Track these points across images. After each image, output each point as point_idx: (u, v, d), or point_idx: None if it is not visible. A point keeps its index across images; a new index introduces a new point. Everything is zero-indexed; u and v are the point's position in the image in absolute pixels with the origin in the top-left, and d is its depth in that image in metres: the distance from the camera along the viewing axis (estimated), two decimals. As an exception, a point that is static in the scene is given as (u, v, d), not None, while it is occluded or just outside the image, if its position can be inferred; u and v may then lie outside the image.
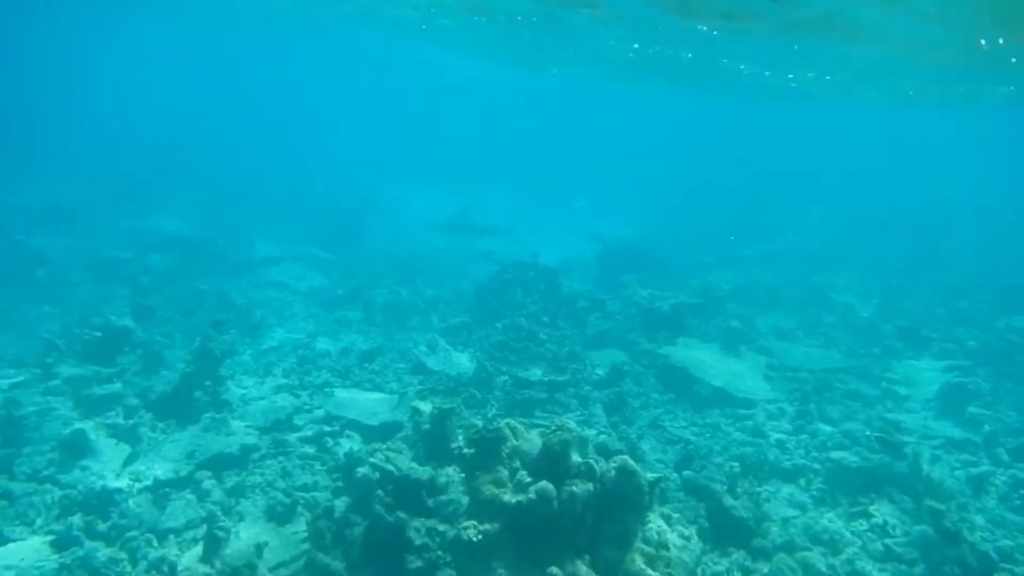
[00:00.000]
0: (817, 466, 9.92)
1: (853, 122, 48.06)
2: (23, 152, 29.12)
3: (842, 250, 26.87)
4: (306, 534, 7.67)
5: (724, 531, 7.91)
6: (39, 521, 7.86)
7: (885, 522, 8.42)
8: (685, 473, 9.18)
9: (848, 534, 8.37)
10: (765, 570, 7.44)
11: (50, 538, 7.50)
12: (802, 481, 9.62)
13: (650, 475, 6.53)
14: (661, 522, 7.11)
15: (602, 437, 9.76)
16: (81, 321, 12.20)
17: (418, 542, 7.08)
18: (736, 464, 8.92)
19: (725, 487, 8.37)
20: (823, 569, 7.57)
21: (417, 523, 7.21)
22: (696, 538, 7.19)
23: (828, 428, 11.38)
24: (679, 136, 67.54)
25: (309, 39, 41.85)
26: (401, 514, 7.21)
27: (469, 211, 27.09)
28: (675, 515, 7.56)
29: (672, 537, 6.92)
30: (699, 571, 6.83)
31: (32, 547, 7.34)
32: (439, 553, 6.98)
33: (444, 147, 57.58)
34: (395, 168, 44.21)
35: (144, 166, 30.35)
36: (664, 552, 6.20)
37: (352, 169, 39.47)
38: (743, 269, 23.82)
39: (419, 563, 6.91)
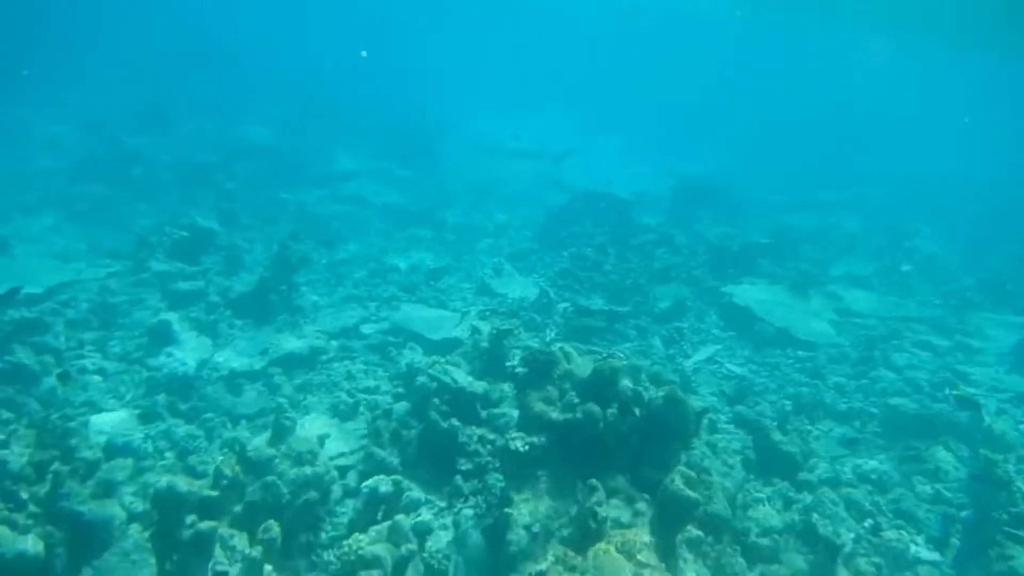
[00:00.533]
0: (874, 410, 9.80)
1: (946, 71, 44.51)
2: (125, 55, 30.20)
3: (926, 201, 25.52)
4: (365, 431, 8.17)
5: (770, 464, 8.00)
6: (128, 396, 8.59)
7: (938, 468, 8.32)
8: (737, 408, 9.26)
9: (897, 476, 8.33)
10: (807, 501, 7.53)
11: (137, 412, 8.23)
12: (856, 423, 9.54)
13: (698, 405, 6.65)
14: (706, 449, 7.26)
15: (656, 367, 9.88)
16: (171, 220, 12.89)
17: (470, 447, 7.48)
18: (788, 402, 8.92)
19: (775, 423, 8.43)
20: (867, 505, 7.61)
21: (469, 431, 7.60)
22: (740, 467, 7.32)
23: (890, 375, 11.15)
24: (760, 69, 64.11)
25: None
26: (455, 421, 7.61)
27: (523, 135, 26.80)
28: (721, 444, 7.68)
29: (715, 464, 7.07)
30: (740, 497, 6.97)
31: (121, 418, 8.07)
32: (488, 459, 7.36)
33: (525, 74, 56.47)
34: (477, 92, 43.82)
35: (236, 76, 31.13)
36: (705, 476, 6.33)
37: (434, 90, 39.34)
38: (821, 213, 22.99)
39: (469, 465, 7.32)
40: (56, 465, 6.16)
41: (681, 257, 15.65)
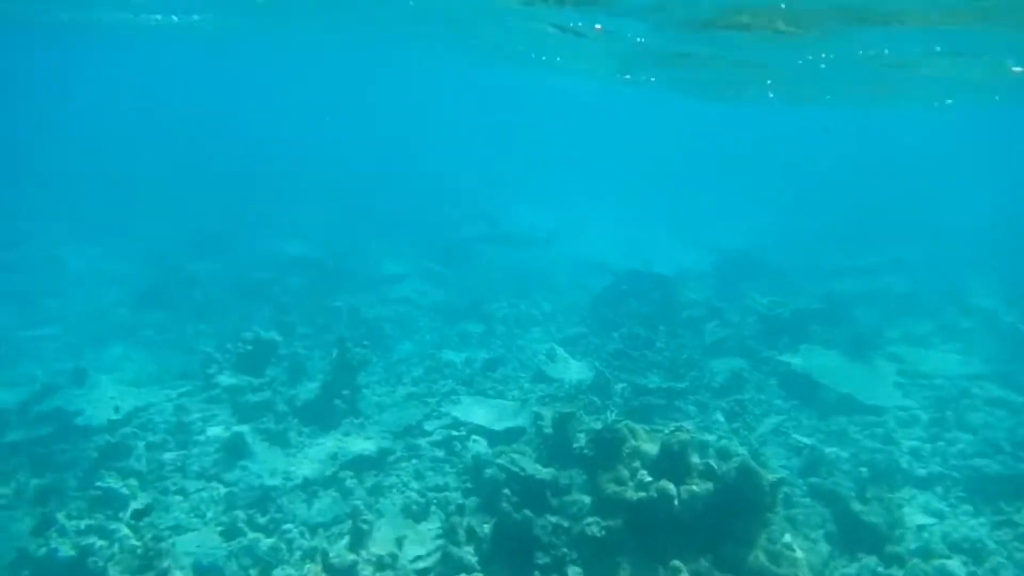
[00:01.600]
0: (956, 474, 9.52)
1: (971, 123, 44.69)
2: (174, 185, 32.10)
3: (976, 255, 25.16)
4: (440, 531, 8.22)
5: (853, 536, 7.79)
6: (209, 514, 8.81)
7: (1032, 531, 8.01)
8: (811, 479, 9.09)
9: (992, 543, 8.02)
10: (899, 576, 7.30)
11: (219, 529, 8.44)
12: (939, 489, 9.27)
13: (772, 476, 6.61)
14: (786, 524, 7.14)
15: (723, 442, 9.80)
16: (233, 336, 13.43)
17: (545, 539, 7.46)
18: (865, 469, 8.74)
19: (853, 493, 8.25)
20: (963, 577, 7.35)
21: (543, 521, 7.60)
22: (823, 542, 7.17)
23: (967, 436, 10.85)
24: (786, 146, 65.19)
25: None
26: (527, 512, 7.63)
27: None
28: (800, 518, 7.55)
29: (797, 540, 6.93)
30: (827, 574, 6.80)
31: (205, 536, 8.28)
32: (565, 550, 7.33)
33: (544, 163, 58.22)
34: (503, 185, 45.19)
35: (278, 193, 32.76)
36: (789, 552, 6.25)
37: (462, 187, 40.70)
38: (869, 276, 22.80)
39: (547, 559, 7.28)
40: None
41: (732, 329, 15.67)
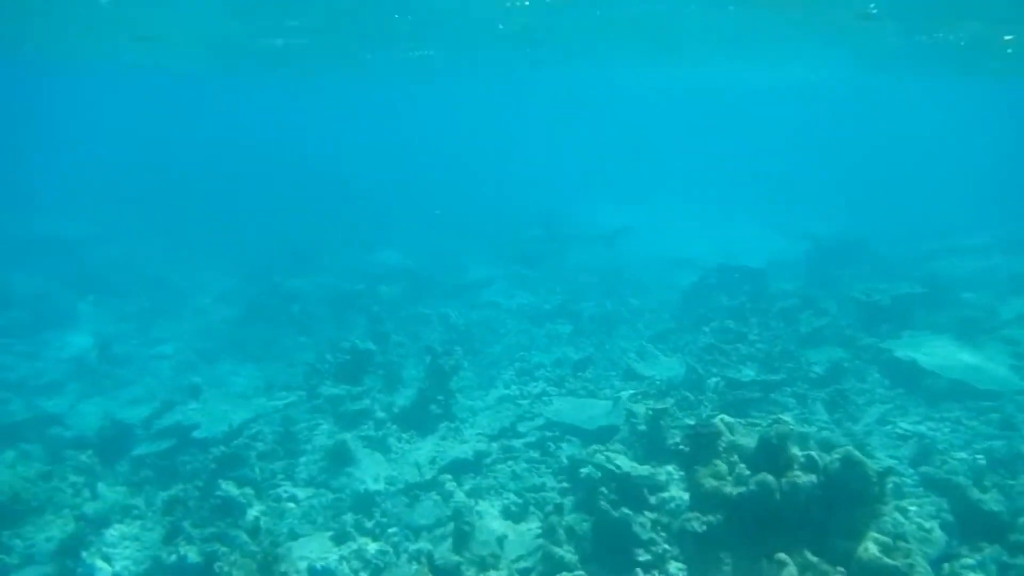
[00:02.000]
0: (1084, 459, 8.91)
1: None
2: (266, 205, 33.72)
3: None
4: (539, 530, 8.33)
5: (972, 526, 7.40)
6: (320, 520, 9.23)
7: None
8: (922, 468, 8.71)
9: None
10: (1027, 567, 6.87)
11: (329, 534, 8.82)
12: (1065, 475, 8.69)
13: (878, 466, 6.39)
14: (897, 515, 6.88)
15: (824, 433, 9.52)
16: (331, 347, 14.03)
17: (644, 536, 7.47)
18: (982, 457, 8.31)
19: (970, 481, 7.85)
20: (1096, 568, 6.85)
21: (642, 518, 7.61)
22: (939, 531, 6.86)
23: (1098, 419, 10.14)
24: (875, 123, 62.23)
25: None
26: (626, 510, 7.65)
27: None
28: (913, 508, 7.26)
29: (910, 529, 6.68)
30: (946, 566, 6.50)
31: (318, 542, 8.68)
32: (666, 547, 7.32)
33: (620, 161, 57.72)
34: (584, 186, 45.13)
35: (363, 208, 33.91)
36: (902, 544, 6.01)
37: (537, 190, 40.90)
38: (975, 255, 21.55)
39: (647, 556, 7.29)
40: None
41: (828, 318, 15.12)
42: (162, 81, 43.90)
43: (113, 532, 8.76)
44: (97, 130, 62.13)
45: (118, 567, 8.14)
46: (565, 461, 9.63)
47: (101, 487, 9.63)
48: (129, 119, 63.64)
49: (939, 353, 12.50)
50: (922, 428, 10.27)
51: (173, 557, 7.78)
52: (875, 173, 41.44)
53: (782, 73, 34.91)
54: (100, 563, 8.06)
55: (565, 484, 9.30)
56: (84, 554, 8.16)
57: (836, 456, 6.31)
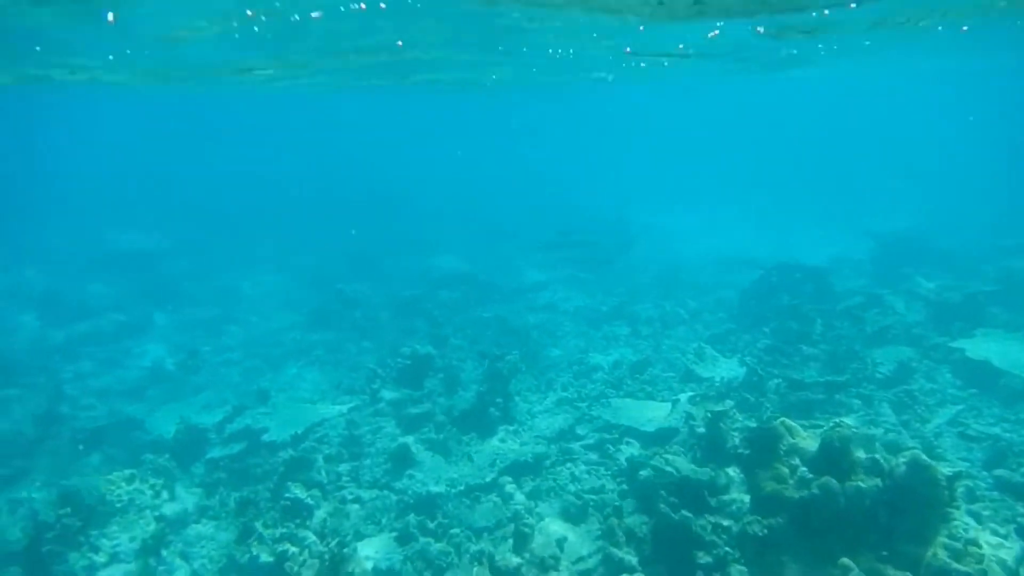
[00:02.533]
0: None
1: None
2: (329, 214, 34.60)
3: None
4: (599, 532, 8.39)
5: (1050, 533, 7.15)
6: (384, 521, 9.49)
7: None
8: (997, 472, 8.42)
9: None
10: (1108, 575, 6.60)
11: (394, 534, 9.05)
12: None
13: (948, 470, 6.24)
14: (969, 519, 6.69)
15: (891, 435, 9.29)
16: (392, 351, 14.37)
17: (706, 538, 7.43)
18: (1060, 460, 7.99)
19: (1048, 485, 7.58)
20: None
21: (702, 521, 7.57)
22: (1015, 537, 6.64)
23: None
24: (940, 118, 59.78)
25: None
26: (686, 512, 7.63)
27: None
28: (986, 513, 7.04)
29: (984, 535, 6.49)
30: (1022, 572, 6.30)
31: (382, 542, 8.92)
32: (727, 550, 7.27)
33: (682, 162, 57.13)
34: (641, 191, 44.83)
35: (421, 216, 34.49)
36: (974, 549, 5.86)
37: (598, 195, 40.81)
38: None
39: (708, 559, 7.25)
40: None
41: (896, 316, 14.72)
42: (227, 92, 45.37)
43: (190, 532, 9.19)
44: (162, 144, 64.79)
45: (196, 565, 8.54)
46: (624, 463, 9.65)
47: (179, 489, 10.10)
48: (194, 133, 66.15)
49: (1015, 352, 12.00)
50: (996, 430, 9.90)
51: (246, 557, 8.11)
52: (942, 168, 39.94)
53: (848, 69, 34.03)
54: (179, 562, 8.47)
55: (624, 486, 9.32)
56: (164, 553, 8.60)
57: (902, 460, 6.18)
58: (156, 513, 9.02)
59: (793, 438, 6.98)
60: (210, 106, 48.94)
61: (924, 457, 6.13)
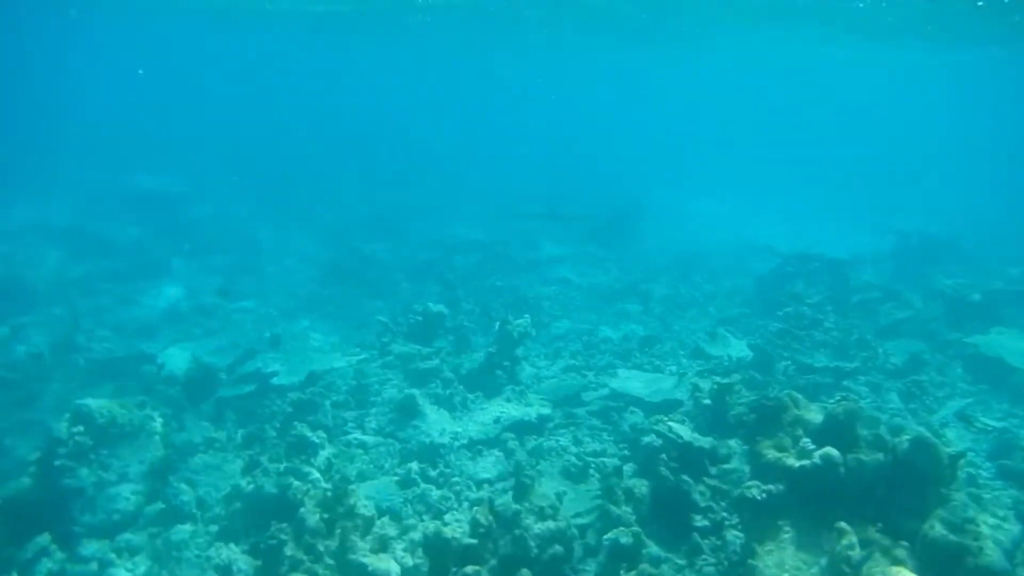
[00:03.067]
0: None
1: None
2: (351, 173, 34.67)
3: None
4: (598, 491, 8.46)
5: (1051, 520, 7.15)
6: (387, 466, 9.61)
7: None
8: (1001, 462, 8.43)
9: None
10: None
11: (396, 479, 9.18)
12: None
13: (952, 449, 6.25)
14: (969, 501, 6.70)
15: (897, 419, 9.30)
16: (404, 309, 14.47)
17: (703, 504, 7.50)
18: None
19: (1051, 477, 7.58)
20: None
21: (701, 487, 7.63)
22: (1014, 521, 6.66)
23: None
24: (969, 116, 58.77)
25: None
26: (685, 477, 7.69)
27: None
28: (987, 498, 7.06)
29: (983, 516, 6.51)
30: (1019, 554, 6.31)
31: (384, 484, 9.05)
32: (724, 515, 7.33)
33: (712, 148, 56.64)
34: (666, 171, 44.57)
35: (443, 181, 34.51)
36: (971, 526, 5.86)
37: (623, 173, 40.60)
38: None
39: (705, 522, 7.33)
40: (342, 522, 7.14)
41: (912, 311, 14.65)
42: (255, 35, 45.26)
43: (197, 461, 9.35)
44: (190, 84, 64.86)
45: (201, 492, 8.71)
46: (627, 430, 9.73)
47: (187, 421, 10.27)
48: (222, 72, 66.10)
49: (1029, 352, 11.94)
50: (1004, 424, 9.88)
51: (251, 486, 8.25)
52: (973, 169, 39.43)
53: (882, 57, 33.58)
54: (185, 487, 8.64)
55: (626, 452, 9.40)
56: (171, 478, 8.77)
57: (906, 437, 6.21)
58: (165, 440, 9.17)
59: (799, 410, 7.02)
60: (240, 43, 48.91)
61: (928, 435, 6.15)
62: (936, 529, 5.49)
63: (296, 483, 8.00)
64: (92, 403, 8.66)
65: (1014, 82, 39.60)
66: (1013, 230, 25.53)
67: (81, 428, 8.35)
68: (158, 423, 9.24)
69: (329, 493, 7.64)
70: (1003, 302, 14.38)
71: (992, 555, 5.52)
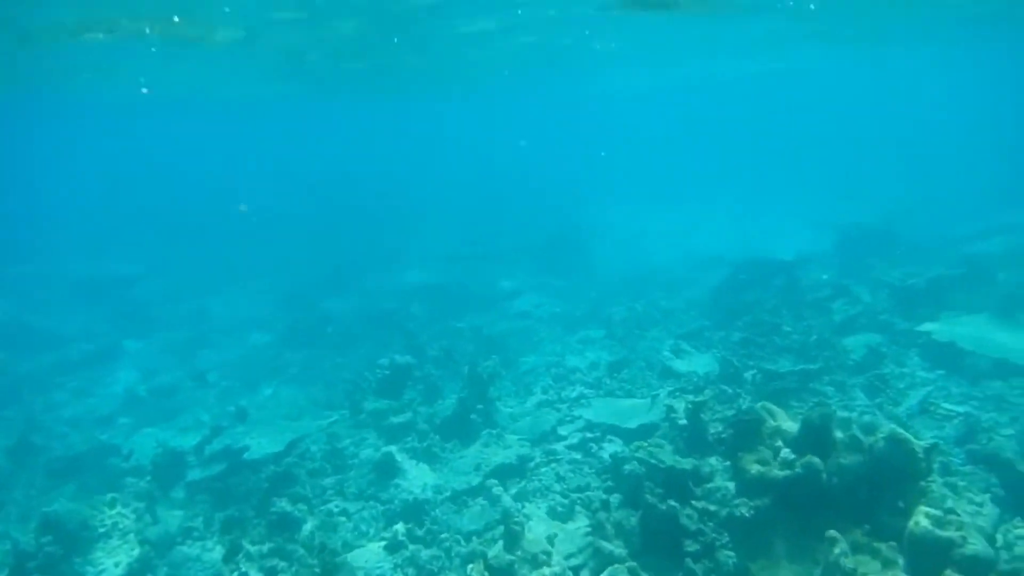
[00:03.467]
0: None
1: None
2: (295, 231, 34.35)
3: None
4: (587, 529, 8.45)
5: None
6: (371, 531, 9.45)
7: None
8: (969, 447, 8.68)
9: None
10: (1082, 535, 6.83)
11: (382, 543, 9.02)
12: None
13: (925, 442, 6.43)
14: (946, 491, 6.90)
15: (866, 417, 9.52)
16: (369, 364, 14.33)
17: (692, 527, 7.54)
18: (1028, 431, 8.27)
19: (1019, 455, 7.84)
20: None
21: (689, 510, 7.68)
22: (990, 505, 6.86)
23: None
24: (900, 108, 61.49)
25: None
26: (672, 502, 7.73)
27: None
28: (962, 484, 7.26)
29: (961, 504, 6.70)
30: (999, 538, 6.50)
31: (372, 552, 8.88)
32: (714, 536, 7.38)
33: (643, 163, 57.85)
34: (605, 194, 45.22)
35: (389, 228, 34.44)
36: (953, 517, 6.03)
37: (566, 200, 41.06)
38: (1011, 234, 21.20)
39: (696, 546, 7.35)
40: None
41: (863, 305, 15.08)
42: (198, 111, 44.90)
43: (176, 554, 9.04)
44: (129, 165, 63.82)
45: (183, 586, 8.42)
46: (608, 460, 9.73)
47: (161, 512, 9.94)
48: (162, 151, 65.25)
49: (978, 333, 12.37)
50: (966, 408, 10.20)
51: (235, 574, 8.02)
52: (900, 157, 41.06)
53: (795, 61, 34.90)
54: (166, 583, 8.35)
55: (609, 482, 9.38)
56: (150, 576, 8.47)
57: (881, 435, 6.37)
58: (140, 537, 8.87)
59: (775, 421, 7.16)
60: (185, 119, 48.46)
61: (902, 431, 6.32)
62: (920, 525, 5.63)
63: (282, 564, 7.83)
64: (59, 508, 8.35)
65: (939, 72, 41.49)
66: (943, 214, 26.49)
67: (50, 537, 8.02)
68: (130, 520, 8.95)
69: (317, 571, 7.49)
70: (946, 287, 14.88)
71: (976, 544, 5.69)
